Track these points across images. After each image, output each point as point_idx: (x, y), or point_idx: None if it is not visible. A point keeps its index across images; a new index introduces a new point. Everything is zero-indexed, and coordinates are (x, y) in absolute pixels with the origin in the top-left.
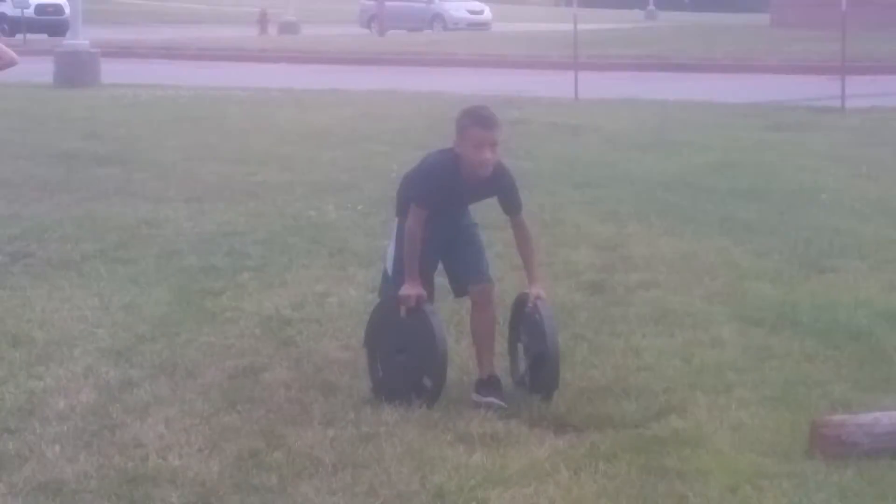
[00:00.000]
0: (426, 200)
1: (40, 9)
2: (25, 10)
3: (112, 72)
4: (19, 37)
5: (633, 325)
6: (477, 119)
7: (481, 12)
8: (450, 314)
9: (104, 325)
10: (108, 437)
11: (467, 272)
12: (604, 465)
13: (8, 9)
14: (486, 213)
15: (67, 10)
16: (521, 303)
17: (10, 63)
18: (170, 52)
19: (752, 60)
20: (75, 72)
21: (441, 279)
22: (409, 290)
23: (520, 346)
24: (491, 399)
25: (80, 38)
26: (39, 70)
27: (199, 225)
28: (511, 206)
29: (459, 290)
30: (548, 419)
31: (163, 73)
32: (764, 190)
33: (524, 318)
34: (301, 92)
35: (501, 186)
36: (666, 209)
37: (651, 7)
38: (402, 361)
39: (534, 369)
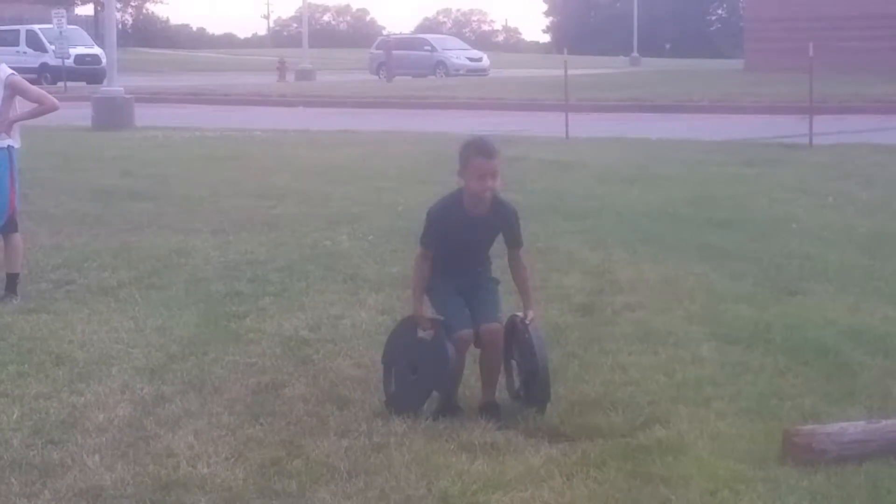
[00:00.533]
0: (428, 241)
1: (79, 59)
2: (66, 60)
3: (145, 115)
4: (60, 84)
5: (620, 344)
6: (479, 149)
7: (480, 59)
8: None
9: (139, 345)
10: (142, 447)
11: (479, 313)
12: (594, 472)
13: (50, 59)
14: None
15: (104, 60)
16: (512, 325)
17: (52, 108)
18: (197, 98)
19: (728, 102)
20: (111, 116)
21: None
22: (420, 318)
23: (513, 364)
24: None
25: (116, 86)
26: (79, 114)
27: (225, 254)
28: (512, 240)
29: (478, 321)
30: (542, 429)
31: (190, 117)
32: (738, 220)
33: (516, 338)
34: (316, 133)
35: (505, 222)
36: (649, 238)
37: (635, 54)
38: (414, 379)
39: (527, 385)
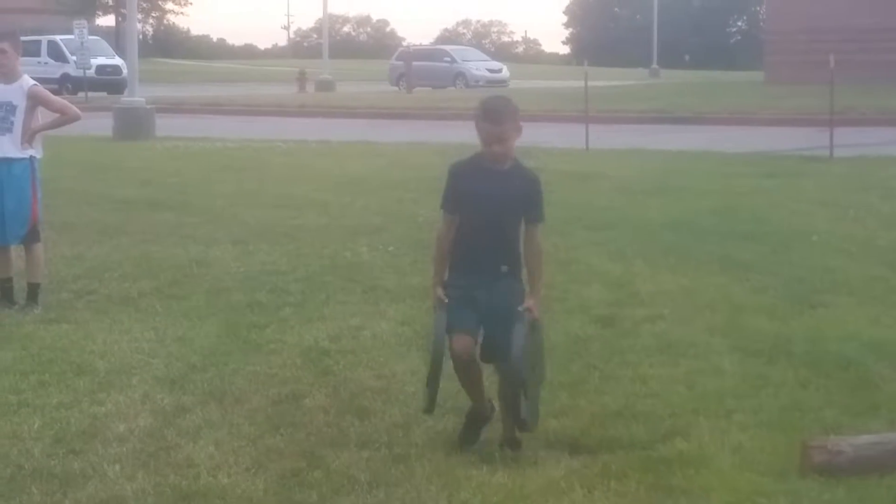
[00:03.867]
0: (448, 200)
1: (101, 69)
2: (87, 71)
3: (165, 126)
4: (81, 95)
5: (641, 356)
6: (483, 113)
7: (500, 71)
8: None
9: (159, 355)
10: (163, 457)
11: (496, 352)
12: (615, 484)
13: (71, 70)
14: None
15: (125, 71)
16: None
17: (75, 118)
18: (217, 108)
19: (748, 114)
20: (132, 126)
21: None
22: (434, 294)
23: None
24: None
25: (137, 96)
26: (100, 125)
27: (245, 265)
28: (531, 213)
29: (485, 357)
30: (563, 441)
31: (211, 127)
32: (760, 232)
33: None
34: (336, 144)
35: (526, 189)
36: (670, 249)
37: (654, 66)
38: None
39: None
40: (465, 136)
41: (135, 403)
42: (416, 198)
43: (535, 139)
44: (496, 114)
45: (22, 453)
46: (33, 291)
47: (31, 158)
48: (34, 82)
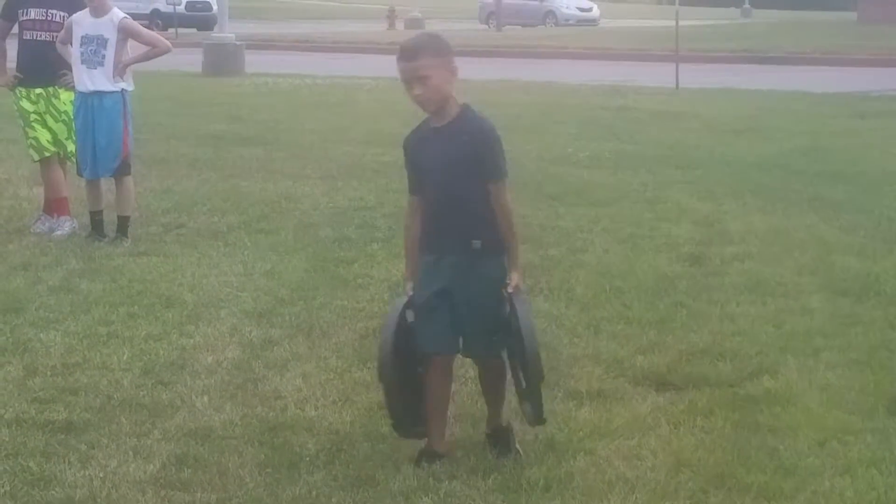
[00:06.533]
0: (409, 181)
1: (190, 5)
2: (177, 7)
3: (255, 62)
4: (171, 31)
5: (729, 294)
6: (398, 52)
7: (590, 9)
8: None
9: (247, 289)
10: (251, 389)
11: (473, 346)
12: (701, 421)
13: (161, 5)
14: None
15: (215, 7)
16: None
17: (165, 50)
18: (307, 45)
19: (840, 54)
20: (222, 62)
21: None
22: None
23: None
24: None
25: (227, 32)
26: (189, 61)
27: (333, 200)
28: (484, 168)
29: (464, 352)
30: (650, 378)
31: (300, 64)
32: (850, 172)
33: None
34: None
35: (473, 143)
36: (759, 189)
37: (746, 5)
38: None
39: (521, 373)
40: (553, 76)
41: (223, 336)
42: (503, 135)
43: (624, 78)
44: (408, 50)
45: (111, 384)
46: (123, 224)
47: (123, 91)
48: (124, 15)
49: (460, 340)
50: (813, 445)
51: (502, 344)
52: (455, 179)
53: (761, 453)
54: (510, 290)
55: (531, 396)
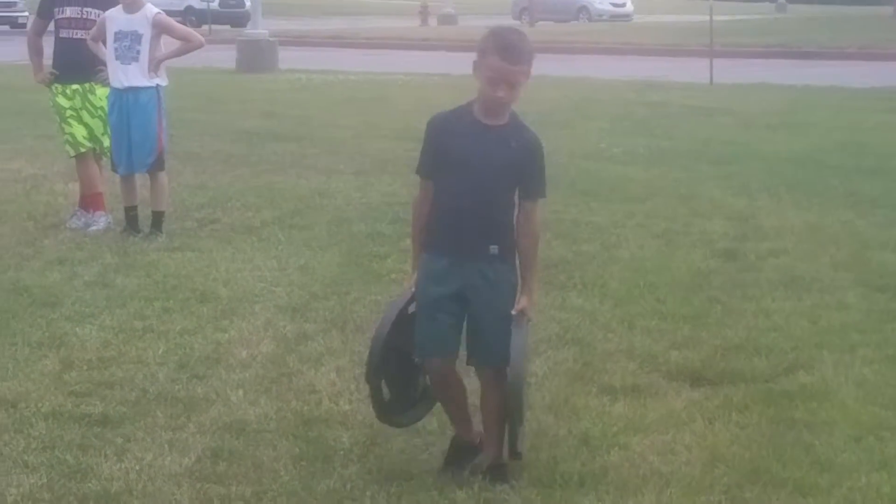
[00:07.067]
0: (425, 162)
1: (224, 2)
2: (210, 3)
3: (288, 58)
4: (205, 27)
5: (764, 290)
6: (498, 46)
7: (623, 4)
8: None
9: (282, 284)
10: (285, 383)
11: (476, 349)
12: (736, 416)
13: (195, 2)
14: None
15: (248, 3)
16: None
17: (199, 45)
18: (340, 41)
19: (876, 48)
20: (255, 58)
21: None
22: (409, 279)
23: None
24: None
25: (260, 28)
26: (223, 57)
27: (367, 195)
28: (529, 186)
29: (475, 360)
30: (684, 373)
31: (333, 60)
32: (887, 167)
33: None
34: (458, 77)
35: (524, 155)
36: (794, 184)
37: (781, 0)
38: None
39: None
40: (586, 71)
41: (257, 330)
42: (536, 131)
43: (658, 74)
44: (514, 50)
45: (147, 377)
46: (157, 219)
47: (157, 87)
48: (158, 10)
49: (459, 346)
50: (849, 441)
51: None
52: (492, 183)
53: (797, 449)
54: (514, 311)
55: (510, 427)
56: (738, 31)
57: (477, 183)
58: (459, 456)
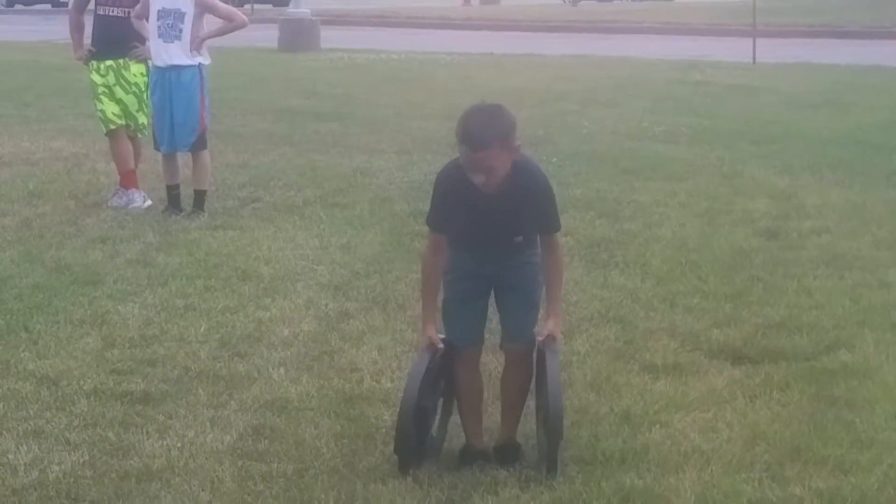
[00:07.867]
0: (436, 218)
1: None
2: None
3: (330, 38)
4: (247, 6)
5: (806, 268)
6: (461, 134)
7: None
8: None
9: (323, 262)
10: (327, 361)
11: (504, 325)
12: (777, 394)
13: None
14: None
15: None
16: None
17: (242, 25)
18: (382, 21)
19: None
20: (297, 37)
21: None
22: (424, 334)
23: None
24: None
25: (303, 8)
26: (265, 36)
27: (409, 174)
28: (539, 222)
29: (503, 339)
30: (725, 351)
31: (376, 39)
32: None
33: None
34: (500, 56)
35: (529, 197)
36: (836, 163)
37: None
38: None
39: (541, 425)
40: (629, 51)
41: (299, 309)
42: (580, 110)
43: (701, 53)
44: (474, 138)
45: (189, 355)
46: (200, 198)
47: (200, 66)
48: None
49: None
50: (890, 419)
51: (534, 329)
52: (507, 227)
53: (837, 426)
54: (542, 338)
55: (548, 452)
56: (782, 11)
57: (493, 231)
58: (471, 463)
